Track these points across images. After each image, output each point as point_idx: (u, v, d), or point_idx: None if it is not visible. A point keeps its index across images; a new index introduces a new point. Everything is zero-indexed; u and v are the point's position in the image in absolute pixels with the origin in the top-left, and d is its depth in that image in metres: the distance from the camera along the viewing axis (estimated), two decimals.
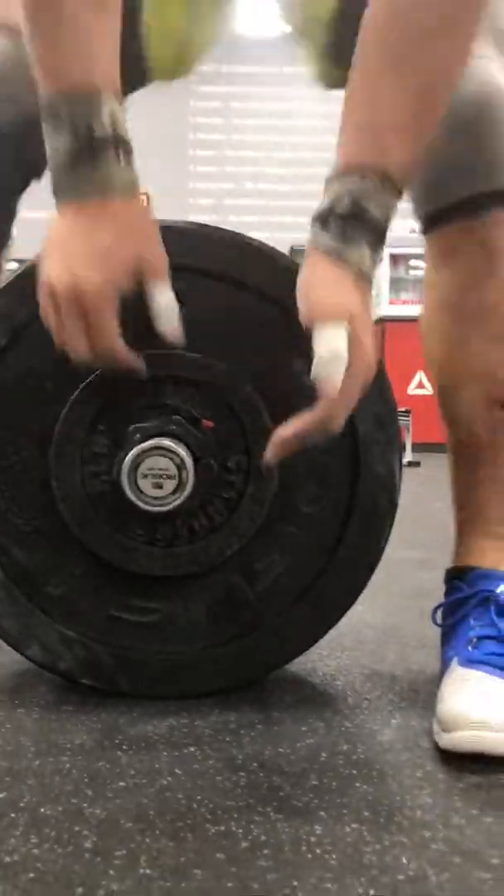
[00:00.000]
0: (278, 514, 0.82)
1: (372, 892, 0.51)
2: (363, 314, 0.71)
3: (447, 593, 0.88)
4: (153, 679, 0.84)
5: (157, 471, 0.73)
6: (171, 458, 0.75)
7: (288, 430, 0.72)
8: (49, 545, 0.83)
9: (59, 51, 0.72)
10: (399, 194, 0.72)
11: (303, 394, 0.74)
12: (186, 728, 0.77)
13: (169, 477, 0.73)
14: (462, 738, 0.69)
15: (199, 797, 0.63)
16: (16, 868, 0.53)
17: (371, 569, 0.84)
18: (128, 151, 0.73)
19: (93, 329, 0.72)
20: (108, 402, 0.80)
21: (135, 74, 0.92)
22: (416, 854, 0.55)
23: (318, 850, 0.56)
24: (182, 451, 0.75)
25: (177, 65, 0.98)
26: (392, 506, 0.83)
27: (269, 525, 0.82)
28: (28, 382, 0.81)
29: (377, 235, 0.72)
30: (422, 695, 0.85)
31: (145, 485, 0.74)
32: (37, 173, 0.92)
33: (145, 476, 0.73)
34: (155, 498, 0.73)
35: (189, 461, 0.75)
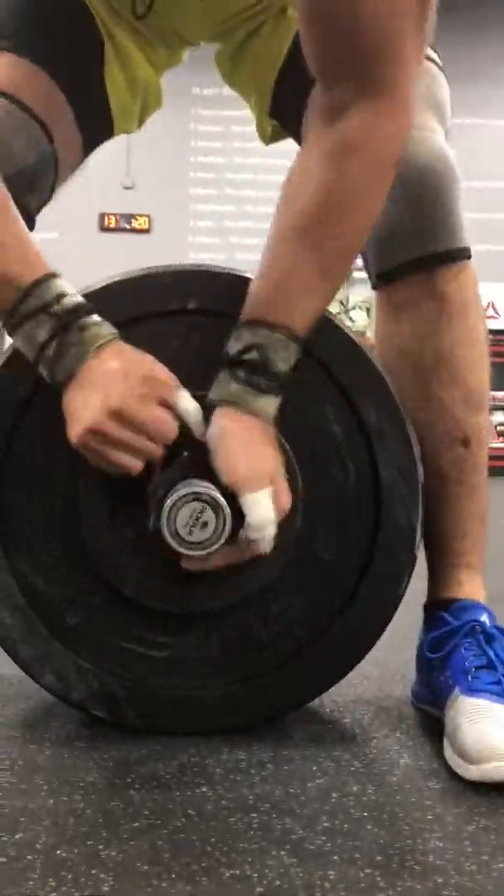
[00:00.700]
0: (298, 560, 0.83)
1: None
2: (276, 468, 0.78)
3: (432, 626, 0.90)
4: (163, 714, 0.85)
5: (197, 516, 0.73)
6: (208, 503, 0.75)
7: (212, 561, 0.77)
8: (69, 576, 0.84)
9: None
10: (302, 345, 0.79)
11: (328, 437, 0.77)
12: (197, 767, 0.77)
13: (206, 523, 0.73)
14: (493, 770, 0.72)
15: (212, 839, 0.64)
16: None
17: (386, 620, 0.85)
18: (94, 314, 0.79)
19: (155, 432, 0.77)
20: None
21: (100, 127, 1.00)
22: None
23: None
24: (221, 499, 0.75)
25: (140, 113, 1.06)
26: (410, 558, 0.85)
27: (289, 569, 0.83)
28: (60, 419, 0.83)
29: (281, 384, 0.78)
30: (428, 733, 0.86)
31: (186, 531, 0.74)
32: (31, 226, 0.94)
33: (186, 523, 0.73)
34: (197, 543, 0.74)
35: (226, 509, 0.74)
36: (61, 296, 0.78)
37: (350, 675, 0.91)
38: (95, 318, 0.78)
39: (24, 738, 0.83)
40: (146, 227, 8.00)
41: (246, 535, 0.75)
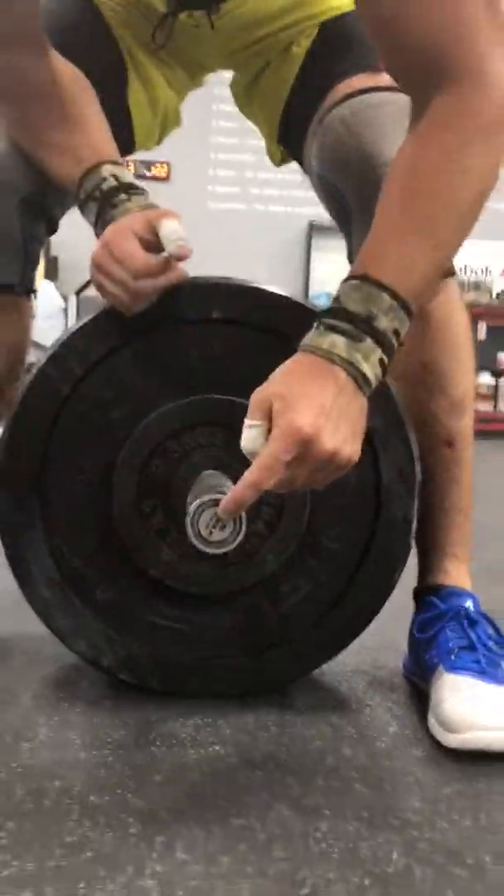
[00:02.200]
0: (304, 548, 0.93)
1: (366, 882, 0.62)
2: (291, 392, 0.72)
3: (422, 609, 1.00)
4: (182, 679, 0.95)
5: (217, 519, 0.79)
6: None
7: (227, 499, 0.73)
8: (102, 557, 0.94)
9: (57, 166, 0.97)
10: (388, 292, 0.75)
11: None
12: (211, 728, 0.88)
13: (225, 525, 0.80)
14: (471, 739, 0.82)
15: (223, 793, 0.75)
16: (74, 848, 0.65)
17: (380, 604, 0.95)
18: (137, 191, 0.94)
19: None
20: (168, 436, 0.91)
21: (123, 144, 1.10)
22: (405, 851, 0.67)
23: (323, 845, 0.67)
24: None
25: (159, 132, 1.14)
26: (406, 549, 0.94)
27: (296, 556, 0.93)
28: (97, 411, 0.92)
29: (358, 326, 0.74)
30: (416, 703, 0.96)
31: (207, 532, 0.80)
32: (54, 228, 1.08)
33: (207, 525, 0.80)
34: (217, 542, 0.81)
35: (242, 512, 0.79)
36: (104, 180, 0.93)
37: (347, 647, 1.01)
38: (127, 195, 0.93)
39: (58, 697, 0.94)
40: (165, 174, 7.95)
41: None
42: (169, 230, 0.87)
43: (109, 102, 1.03)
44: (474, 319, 5.89)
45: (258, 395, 0.74)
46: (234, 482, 0.83)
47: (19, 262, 1.02)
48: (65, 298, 5.26)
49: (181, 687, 0.95)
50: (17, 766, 0.78)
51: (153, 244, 0.88)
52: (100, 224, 0.94)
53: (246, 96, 1.15)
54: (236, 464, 0.88)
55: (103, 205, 0.93)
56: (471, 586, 1.01)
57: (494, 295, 6.56)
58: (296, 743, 0.86)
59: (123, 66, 1.08)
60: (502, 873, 0.64)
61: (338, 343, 0.74)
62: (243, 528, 0.80)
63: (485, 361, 5.93)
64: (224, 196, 7.97)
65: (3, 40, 0.93)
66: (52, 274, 5.43)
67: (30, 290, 1.06)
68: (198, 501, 0.80)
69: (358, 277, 0.76)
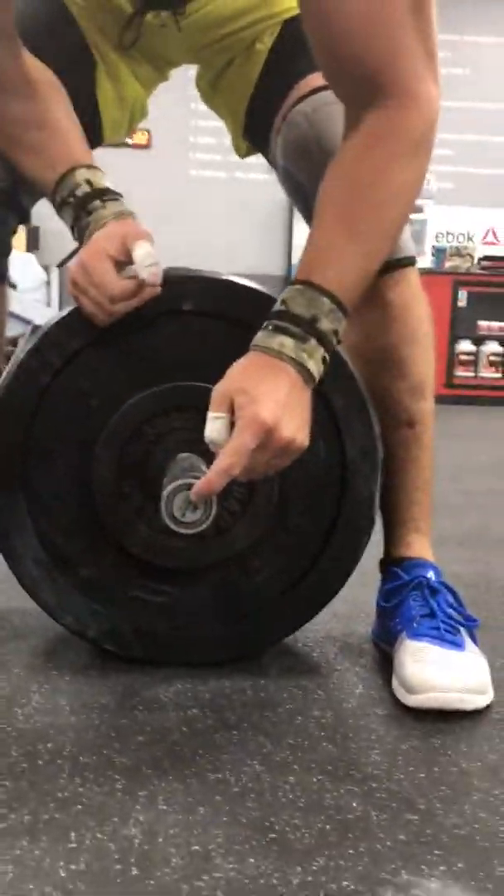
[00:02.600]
0: (276, 524, 0.99)
1: (328, 826, 0.70)
2: (256, 388, 0.80)
3: (387, 579, 1.07)
4: (163, 648, 1.02)
5: (189, 501, 0.85)
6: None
7: (199, 485, 0.81)
8: (84, 535, 1.00)
9: (32, 168, 1.01)
10: (328, 296, 0.83)
11: None
12: (190, 692, 0.95)
13: (196, 507, 0.86)
14: (427, 699, 0.90)
15: (200, 751, 0.82)
16: (67, 802, 0.72)
17: (347, 574, 1.02)
18: (111, 196, 0.99)
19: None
20: (143, 421, 0.97)
21: (92, 139, 1.13)
22: (363, 800, 0.74)
23: (290, 796, 0.74)
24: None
25: (128, 126, 1.19)
26: (369, 523, 1.01)
27: (268, 532, 0.99)
28: (76, 400, 0.98)
29: (301, 328, 0.83)
30: (382, 667, 1.04)
31: (180, 514, 0.86)
32: (25, 219, 1.12)
33: (180, 508, 0.86)
34: (190, 523, 0.87)
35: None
36: (77, 186, 0.98)
37: (321, 613, 1.08)
38: (102, 202, 0.97)
39: (48, 667, 1.01)
40: (145, 142, 7.89)
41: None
42: (142, 255, 0.93)
43: (79, 99, 1.06)
44: (455, 287, 5.94)
45: (220, 390, 0.82)
46: (207, 463, 0.90)
47: None
48: (46, 269, 5.25)
49: (162, 656, 1.02)
50: (12, 731, 0.85)
51: (125, 263, 0.94)
52: (76, 229, 0.99)
53: (211, 90, 1.19)
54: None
55: (78, 211, 0.98)
56: (432, 557, 1.08)
57: (476, 261, 6.59)
58: (268, 706, 0.93)
59: (92, 63, 1.11)
60: (449, 818, 0.72)
61: (286, 343, 0.83)
62: (214, 509, 0.86)
63: (465, 329, 5.98)
64: (205, 163, 7.92)
65: None
66: (32, 244, 5.42)
67: (3, 276, 1.11)
68: (172, 486, 0.86)
69: (302, 283, 0.84)
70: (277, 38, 1.09)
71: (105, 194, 0.99)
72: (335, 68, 0.88)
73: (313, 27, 0.86)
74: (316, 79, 1.02)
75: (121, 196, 1.00)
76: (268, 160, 1.16)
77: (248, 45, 1.10)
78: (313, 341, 0.83)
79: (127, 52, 1.11)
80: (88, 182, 0.98)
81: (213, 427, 0.81)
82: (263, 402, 0.79)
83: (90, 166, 0.99)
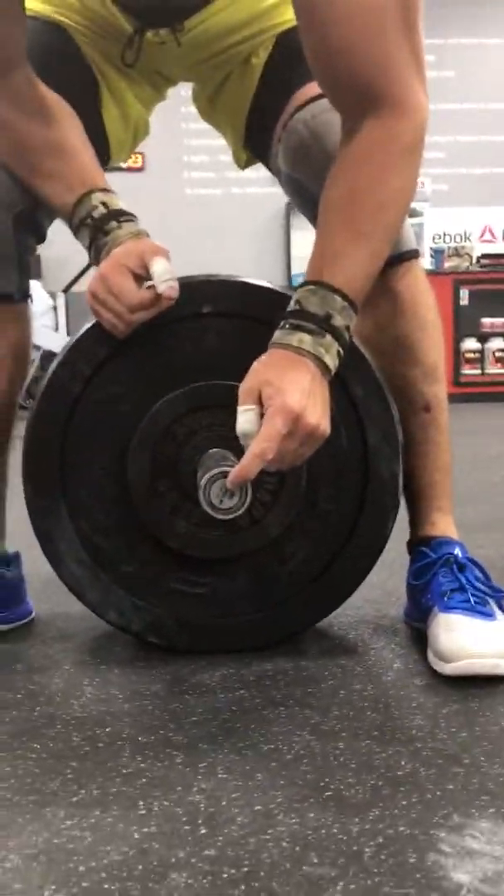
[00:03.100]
0: (305, 511, 1.04)
1: (380, 783, 0.74)
2: (281, 380, 0.86)
3: (416, 559, 1.11)
4: (205, 637, 1.06)
5: (226, 488, 0.91)
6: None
7: (236, 471, 0.87)
8: (123, 533, 1.05)
9: (50, 194, 1.06)
10: (339, 294, 0.90)
11: None
12: (235, 676, 0.99)
13: (233, 493, 0.91)
14: (463, 666, 0.94)
15: (252, 726, 0.86)
16: (132, 777, 0.76)
17: (376, 555, 1.06)
18: (127, 217, 1.04)
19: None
20: (172, 421, 1.02)
21: (98, 158, 1.19)
22: (411, 758, 0.78)
23: (342, 759, 0.78)
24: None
25: (131, 144, 1.24)
26: (394, 505, 1.05)
27: (298, 519, 1.04)
28: (107, 405, 1.03)
29: (318, 325, 0.90)
30: (416, 644, 1.08)
31: (218, 501, 0.92)
32: (42, 239, 1.17)
33: (218, 495, 0.91)
34: (227, 509, 0.92)
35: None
36: (94, 208, 1.03)
37: (353, 598, 1.12)
38: (118, 223, 1.02)
39: (96, 661, 1.06)
40: (139, 164, 8.00)
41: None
42: (160, 270, 0.98)
43: (85, 121, 1.12)
44: (456, 286, 5.99)
45: (247, 385, 0.88)
46: (237, 455, 0.95)
47: (16, 272, 1.11)
48: (52, 296, 5.33)
49: (204, 644, 1.06)
50: (70, 719, 0.89)
51: (143, 278, 0.99)
52: (93, 249, 1.04)
53: (210, 106, 1.25)
54: (237, 440, 1.00)
55: (95, 232, 1.03)
56: (459, 536, 1.12)
57: (475, 260, 6.64)
58: (311, 683, 0.97)
59: (96, 85, 1.16)
60: (494, 768, 0.76)
61: (304, 339, 0.89)
62: (249, 495, 0.91)
63: (469, 327, 6.03)
64: (200, 181, 8.02)
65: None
66: (35, 272, 5.50)
67: (26, 296, 1.17)
68: (208, 475, 0.91)
69: (314, 283, 0.91)
70: (272, 52, 1.14)
71: (121, 215, 1.04)
72: (332, 79, 0.94)
73: (311, 41, 0.91)
74: (312, 88, 1.07)
75: (135, 217, 1.05)
76: (269, 168, 1.22)
77: (244, 60, 1.16)
78: (329, 337, 0.90)
79: (128, 74, 1.17)
80: (104, 204, 1.03)
81: (244, 419, 0.87)
82: (290, 391, 0.86)
83: (105, 189, 1.04)
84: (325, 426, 0.89)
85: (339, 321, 0.90)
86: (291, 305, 0.92)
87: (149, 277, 0.99)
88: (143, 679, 0.99)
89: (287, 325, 0.91)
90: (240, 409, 0.88)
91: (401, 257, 1.07)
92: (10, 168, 1.07)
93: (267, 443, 0.84)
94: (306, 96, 1.09)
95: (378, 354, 1.07)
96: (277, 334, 0.91)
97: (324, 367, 0.90)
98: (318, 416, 0.88)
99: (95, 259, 1.05)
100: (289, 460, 0.89)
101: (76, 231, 1.06)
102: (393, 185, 0.93)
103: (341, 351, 0.92)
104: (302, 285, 0.92)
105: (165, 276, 0.98)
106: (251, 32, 1.14)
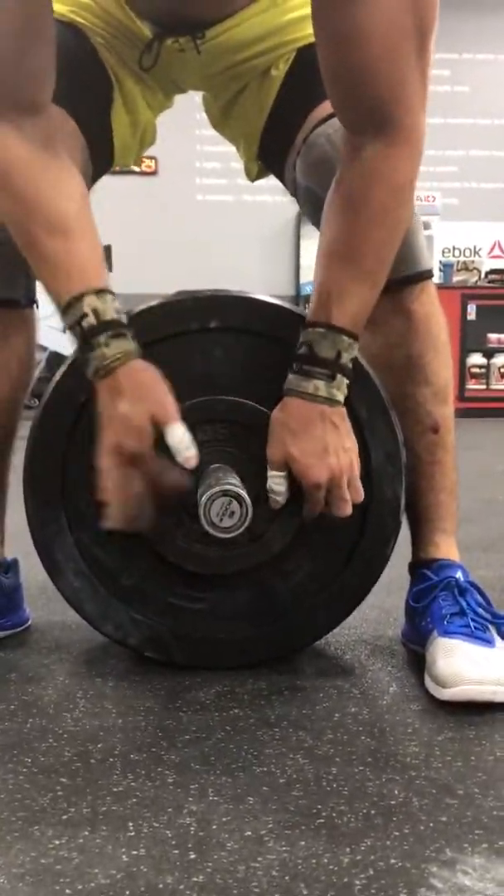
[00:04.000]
0: (306, 528, 1.03)
1: (373, 812, 0.73)
2: (301, 450, 0.95)
3: (417, 581, 1.11)
4: (202, 653, 1.06)
5: (226, 507, 0.92)
6: (234, 497, 0.93)
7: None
8: (123, 546, 1.04)
9: (45, 278, 0.96)
10: (348, 335, 0.95)
11: None
12: (230, 694, 0.99)
13: (233, 512, 0.92)
14: (460, 692, 0.93)
15: (245, 747, 0.85)
16: (122, 796, 0.76)
17: (377, 575, 1.05)
18: (116, 330, 0.93)
19: (147, 472, 0.91)
20: None
21: (104, 163, 1.16)
22: (405, 787, 0.77)
23: (334, 785, 0.78)
24: (243, 493, 0.93)
25: (138, 150, 1.23)
26: (396, 524, 1.04)
27: (299, 537, 1.03)
28: None
29: (332, 369, 0.95)
30: (413, 667, 1.07)
31: (217, 519, 0.93)
32: None
33: (217, 514, 0.92)
34: (227, 528, 0.93)
35: (248, 500, 0.93)
36: (84, 316, 0.92)
37: (351, 618, 1.12)
38: (106, 339, 0.92)
39: (91, 674, 1.05)
40: (153, 169, 8.01)
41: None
42: (177, 440, 0.92)
43: (93, 122, 1.11)
44: (464, 301, 5.99)
45: (275, 456, 0.97)
46: (237, 472, 0.95)
47: (23, 277, 1.10)
48: None
49: (202, 660, 1.05)
50: (63, 733, 0.88)
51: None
52: (79, 360, 0.96)
53: (223, 116, 1.24)
54: (241, 454, 0.99)
55: (81, 345, 0.94)
56: (462, 557, 1.11)
57: (483, 275, 6.64)
58: (306, 704, 0.96)
59: (110, 88, 1.15)
60: (488, 801, 0.75)
61: (319, 386, 0.95)
62: (249, 514, 0.90)
63: (475, 342, 6.02)
64: (212, 188, 8.04)
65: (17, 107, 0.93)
66: None
67: (33, 302, 1.16)
68: (208, 493, 0.90)
69: (324, 326, 0.95)
70: (292, 65, 1.14)
71: (109, 328, 0.93)
72: (344, 95, 0.94)
73: (328, 55, 0.91)
74: None
75: (127, 329, 0.94)
76: (283, 181, 1.21)
77: (262, 72, 1.15)
78: (339, 376, 0.96)
79: (143, 80, 1.16)
80: (95, 313, 0.92)
81: (276, 483, 0.97)
82: (314, 465, 0.95)
83: (100, 291, 0.93)
84: (350, 459, 0.97)
85: (345, 358, 0.96)
86: (302, 349, 0.96)
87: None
88: (137, 693, 0.99)
89: (301, 371, 0.96)
90: (271, 474, 0.97)
91: (416, 277, 1.07)
92: (4, 225, 0.98)
93: (317, 509, 0.98)
94: (328, 111, 1.09)
95: (388, 373, 1.07)
96: (292, 380, 0.96)
97: (337, 405, 0.97)
98: (343, 457, 0.96)
99: (83, 367, 0.95)
100: (340, 498, 0.97)
101: (67, 330, 0.96)
102: (395, 217, 0.96)
103: (348, 382, 0.97)
104: (312, 325, 0.96)
105: (182, 446, 0.92)
106: (272, 44, 1.13)
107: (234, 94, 1.20)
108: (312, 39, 1.14)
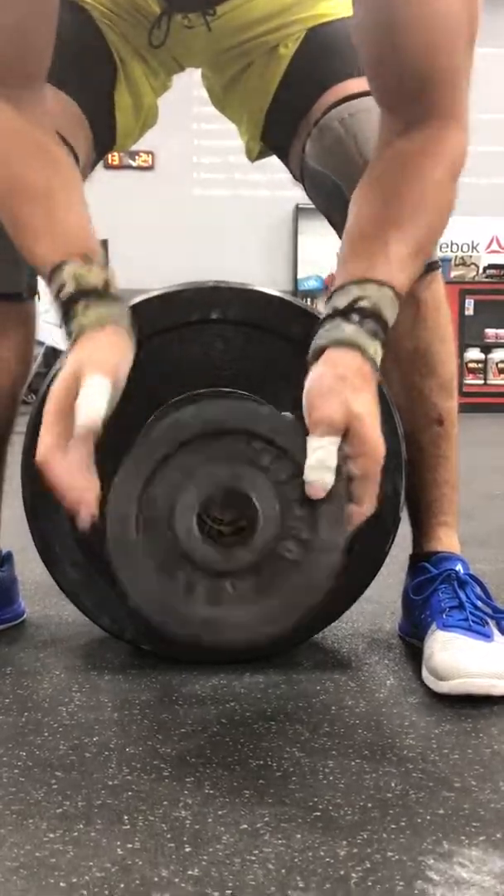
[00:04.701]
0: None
1: (369, 804, 0.73)
2: (367, 411, 0.79)
3: (416, 573, 1.10)
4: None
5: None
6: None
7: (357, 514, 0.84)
8: None
9: (28, 247, 0.90)
10: (396, 295, 0.85)
11: None
12: (226, 687, 0.98)
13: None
14: (458, 685, 0.92)
15: (241, 741, 0.85)
16: (117, 790, 0.75)
17: (376, 569, 1.05)
18: (95, 298, 0.85)
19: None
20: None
21: (106, 145, 1.15)
22: (402, 780, 0.77)
23: (331, 778, 0.77)
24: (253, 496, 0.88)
25: (139, 133, 1.21)
26: (395, 521, 1.04)
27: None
28: (109, 424, 1.01)
29: (386, 336, 0.84)
30: (410, 660, 1.07)
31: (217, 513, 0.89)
32: None
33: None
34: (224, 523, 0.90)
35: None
36: (63, 285, 0.85)
37: (348, 612, 1.11)
38: (85, 306, 0.84)
39: (87, 667, 1.04)
40: (149, 163, 7.99)
41: (305, 476, 0.78)
42: (82, 395, 0.82)
43: (97, 105, 1.10)
44: (462, 296, 5.99)
45: (336, 414, 0.77)
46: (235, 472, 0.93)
47: (22, 271, 1.09)
48: None
49: (198, 654, 1.05)
50: (58, 727, 0.88)
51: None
52: (64, 327, 0.88)
53: (224, 94, 1.22)
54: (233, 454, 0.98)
55: (62, 317, 0.87)
56: (460, 551, 1.11)
57: (481, 270, 6.64)
58: (303, 697, 0.96)
59: (114, 70, 1.14)
60: (485, 793, 0.74)
61: (377, 348, 0.82)
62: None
63: (473, 337, 6.02)
64: (209, 182, 8.02)
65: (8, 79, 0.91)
66: None
67: (34, 294, 1.14)
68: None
69: (387, 286, 0.83)
70: (302, 45, 1.12)
71: (88, 295, 0.85)
72: (390, 79, 0.89)
73: (380, 39, 0.86)
74: (349, 86, 1.05)
75: (110, 295, 0.86)
76: (287, 164, 1.20)
77: (269, 49, 1.13)
78: (382, 334, 0.83)
79: (148, 61, 1.14)
80: (76, 278, 0.85)
81: (327, 453, 0.77)
82: (377, 432, 0.80)
83: (84, 256, 0.86)
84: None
85: (389, 314, 0.84)
86: (363, 302, 0.82)
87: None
88: (133, 687, 0.98)
89: (357, 322, 0.82)
90: (318, 442, 0.77)
91: (428, 267, 1.06)
92: None
93: (373, 499, 0.82)
94: (342, 93, 1.07)
95: (394, 364, 1.05)
96: (349, 330, 0.81)
97: (377, 370, 0.83)
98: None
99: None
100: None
101: (52, 302, 0.89)
102: (444, 201, 0.89)
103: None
104: (368, 280, 0.83)
105: (84, 401, 0.82)
106: (282, 22, 1.12)
107: (239, 70, 1.17)
108: (323, 19, 1.13)
